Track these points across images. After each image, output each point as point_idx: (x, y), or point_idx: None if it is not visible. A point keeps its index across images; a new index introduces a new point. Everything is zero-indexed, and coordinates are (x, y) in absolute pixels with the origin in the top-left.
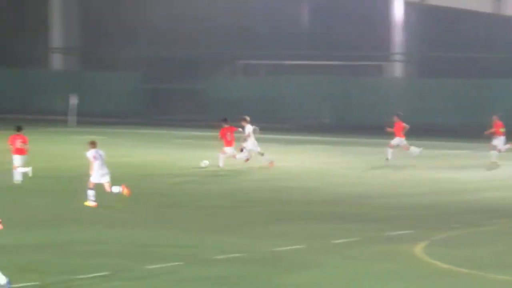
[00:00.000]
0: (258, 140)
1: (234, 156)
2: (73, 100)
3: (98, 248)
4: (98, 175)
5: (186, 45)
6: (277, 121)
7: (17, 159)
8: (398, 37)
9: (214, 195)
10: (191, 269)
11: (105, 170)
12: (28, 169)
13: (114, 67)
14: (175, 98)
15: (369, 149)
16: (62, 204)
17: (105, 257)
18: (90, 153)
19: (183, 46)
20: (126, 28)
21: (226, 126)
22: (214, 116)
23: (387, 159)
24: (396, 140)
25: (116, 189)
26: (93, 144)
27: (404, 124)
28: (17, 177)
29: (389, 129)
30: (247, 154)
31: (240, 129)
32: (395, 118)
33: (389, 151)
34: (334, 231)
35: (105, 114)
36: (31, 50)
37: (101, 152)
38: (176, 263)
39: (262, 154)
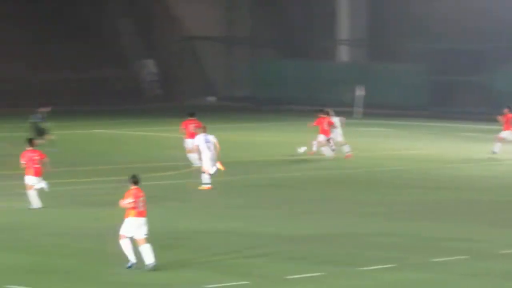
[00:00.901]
0: None
1: (318, 143)
2: (360, 92)
3: (382, 241)
4: (208, 159)
5: (473, 38)
6: None
7: (189, 143)
8: None
9: (498, 189)
10: (476, 263)
11: (213, 154)
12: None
13: (401, 59)
14: (460, 91)
15: None
16: (347, 196)
17: (390, 250)
18: (199, 138)
19: (470, 38)
20: (413, 20)
21: (323, 116)
22: (500, 109)
23: (494, 152)
24: (504, 133)
25: (213, 170)
26: (203, 129)
27: None
28: (195, 161)
29: (499, 118)
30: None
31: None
32: (506, 111)
33: (497, 144)
34: None
35: (391, 106)
36: (319, 42)
37: (209, 137)
38: (461, 257)
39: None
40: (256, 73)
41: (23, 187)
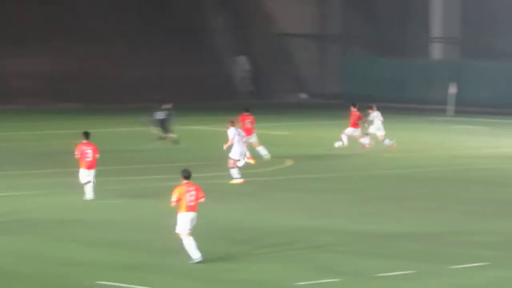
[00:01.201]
0: None
1: (357, 138)
2: (453, 90)
3: (477, 239)
4: (238, 152)
5: None
6: None
7: (252, 137)
8: None
9: None
10: None
11: (243, 148)
12: (266, 153)
13: (495, 57)
14: None
15: None
16: (442, 194)
17: (484, 248)
18: (230, 132)
19: None
20: (508, 17)
21: (354, 110)
22: None
23: None
24: None
25: (241, 163)
26: (232, 123)
27: None
28: (263, 152)
29: None
30: (369, 141)
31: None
32: None
33: None
34: None
35: (484, 104)
36: (412, 40)
37: (240, 131)
38: None
39: (377, 137)
40: (348, 71)
41: (115, 183)
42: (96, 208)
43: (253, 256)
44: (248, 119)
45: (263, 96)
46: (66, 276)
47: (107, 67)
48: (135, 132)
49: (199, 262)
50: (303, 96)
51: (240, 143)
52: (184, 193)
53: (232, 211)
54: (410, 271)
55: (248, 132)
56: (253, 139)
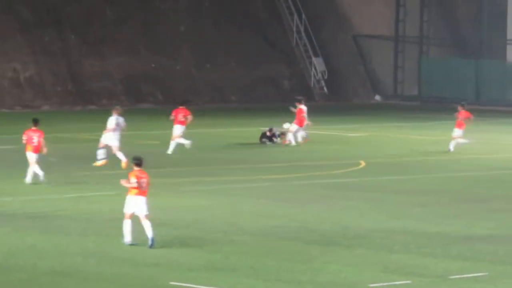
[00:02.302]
0: None
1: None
2: None
3: None
4: (109, 137)
5: None
6: None
7: (177, 129)
8: None
9: None
10: None
11: (117, 136)
12: (188, 142)
13: None
14: None
15: None
16: None
17: None
18: (111, 119)
19: None
20: None
21: (301, 107)
22: None
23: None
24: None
25: (121, 155)
26: (116, 111)
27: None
28: (172, 147)
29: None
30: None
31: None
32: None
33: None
34: None
35: None
36: (488, 41)
37: (120, 120)
38: None
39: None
40: (424, 72)
41: (193, 184)
42: (179, 208)
43: (325, 256)
44: (181, 113)
45: (338, 97)
46: (139, 277)
47: (182, 68)
48: (208, 134)
49: (131, 245)
50: (378, 98)
51: (116, 131)
52: (139, 179)
53: (306, 211)
54: (483, 273)
55: (181, 123)
56: (179, 131)
